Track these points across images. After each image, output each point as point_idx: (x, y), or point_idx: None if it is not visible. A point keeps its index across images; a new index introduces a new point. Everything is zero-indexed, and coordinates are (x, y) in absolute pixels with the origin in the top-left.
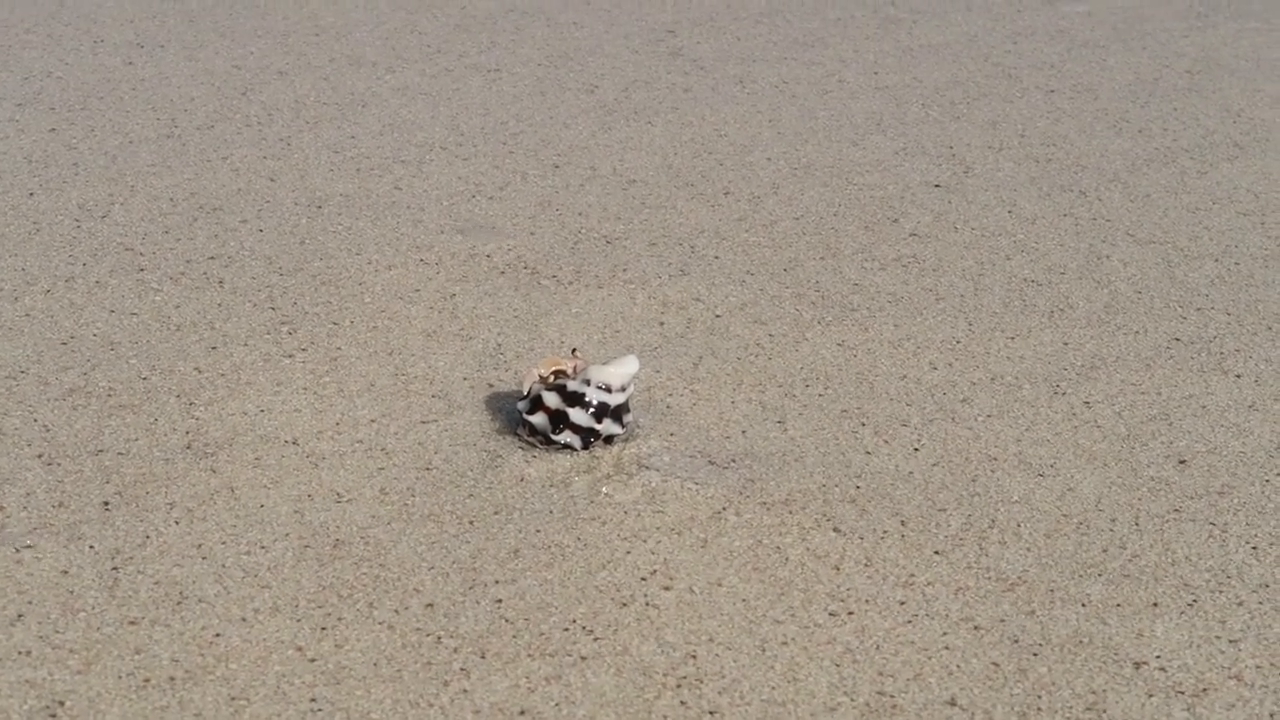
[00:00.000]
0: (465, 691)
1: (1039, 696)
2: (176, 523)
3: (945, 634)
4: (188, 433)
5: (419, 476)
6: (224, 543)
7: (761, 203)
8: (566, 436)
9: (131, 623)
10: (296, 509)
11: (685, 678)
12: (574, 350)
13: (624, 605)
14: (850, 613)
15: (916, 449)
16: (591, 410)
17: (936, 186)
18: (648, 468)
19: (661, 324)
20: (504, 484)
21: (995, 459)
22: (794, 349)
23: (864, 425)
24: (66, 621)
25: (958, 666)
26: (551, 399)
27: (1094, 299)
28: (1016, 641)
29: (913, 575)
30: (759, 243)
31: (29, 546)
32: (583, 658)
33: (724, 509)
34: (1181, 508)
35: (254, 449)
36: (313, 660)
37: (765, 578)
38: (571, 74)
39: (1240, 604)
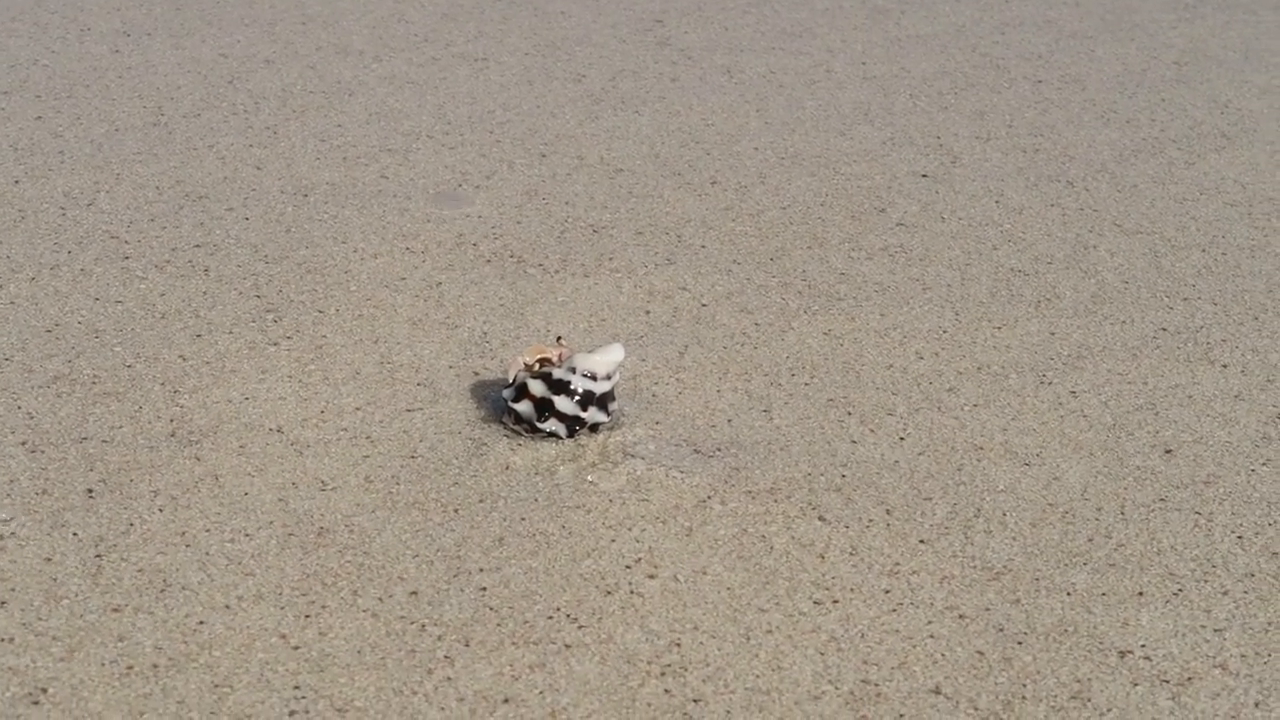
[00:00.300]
0: (449, 679)
1: (1024, 685)
2: (160, 510)
3: (930, 623)
4: (172, 420)
5: (404, 464)
6: (208, 530)
7: (748, 192)
8: (552, 424)
9: (115, 610)
10: (281, 497)
11: (669, 666)
12: (559, 338)
13: (608, 593)
14: (835, 601)
15: (902, 438)
16: (577, 398)
17: (924, 176)
18: (633, 456)
19: (647, 313)
20: (489, 472)
21: (981, 448)
22: (780, 338)
23: (850, 414)
24: (49, 609)
25: (942, 655)
26: (537, 387)
27: (1081, 289)
28: (1001, 630)
29: (898, 564)
30: (746, 232)
31: (12, 534)
32: (567, 646)
33: (709, 497)
34: (1167, 497)
35: (238, 437)
36: (296, 648)
37: (750, 566)
38: (559, 63)
39: (1225, 593)
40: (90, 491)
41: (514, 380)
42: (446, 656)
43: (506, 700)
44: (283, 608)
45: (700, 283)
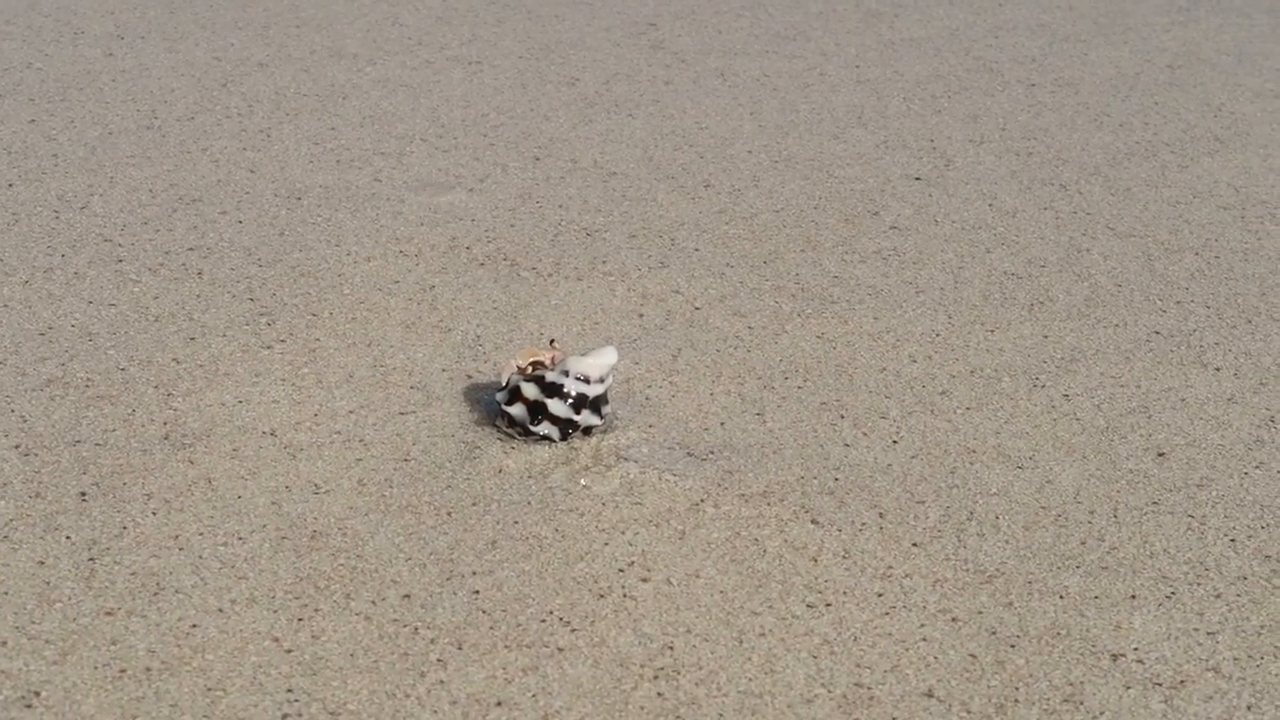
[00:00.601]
0: (442, 682)
1: (1016, 688)
2: (154, 513)
3: (923, 626)
4: (165, 424)
5: (397, 468)
6: (201, 534)
7: (742, 195)
8: (545, 428)
9: (108, 613)
10: (274, 500)
11: (662, 669)
12: (552, 341)
13: (601, 597)
14: (828, 604)
15: (895, 441)
16: (570, 401)
17: (917, 180)
18: (626, 459)
19: (641, 316)
20: (482, 475)
21: (974, 451)
22: (773, 341)
23: (843, 417)
24: (43, 612)
25: (935, 658)
26: (530, 390)
27: (1074, 292)
28: (994, 633)
29: (891, 567)
30: (739, 235)
31: (5, 537)
32: (560, 649)
33: (702, 501)
34: (1160, 500)
35: (232, 440)
36: (289, 651)
37: (743, 569)
38: (553, 67)
39: (1218, 596)
40: (83, 495)
41: (507, 383)
42: (439, 660)
43: (499, 703)
44: (276, 611)
45: (693, 286)
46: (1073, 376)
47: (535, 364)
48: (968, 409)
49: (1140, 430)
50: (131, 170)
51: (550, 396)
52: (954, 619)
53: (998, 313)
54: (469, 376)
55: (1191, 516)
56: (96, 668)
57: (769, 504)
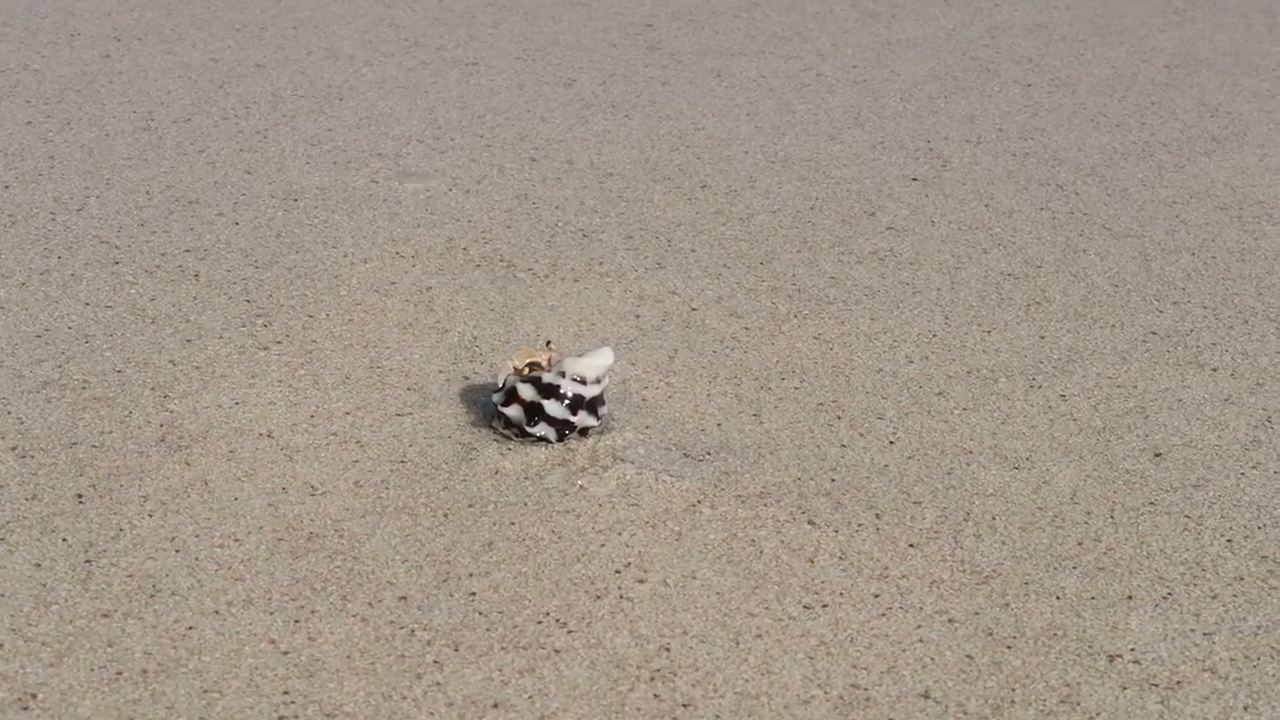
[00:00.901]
0: (438, 684)
1: (1013, 689)
2: (150, 515)
3: (919, 627)
4: (162, 425)
5: (393, 469)
6: (197, 536)
7: (738, 196)
8: (541, 429)
9: (104, 615)
10: (270, 502)
11: (659, 670)
12: (549, 342)
13: (598, 598)
14: (824, 606)
15: (892, 442)
16: (566, 402)
17: (914, 180)
18: (623, 460)
19: (637, 317)
20: (478, 477)
21: (971, 452)
22: (770, 342)
23: (839, 418)
24: (39, 614)
25: (932, 659)
26: (526, 391)
27: (1071, 292)
28: (991, 634)
29: (887, 568)
30: (735, 236)
31: (2, 539)
32: (556, 650)
33: (699, 502)
34: (1157, 500)
35: (228, 442)
36: (286, 653)
37: (739, 571)
38: (549, 67)
39: (1214, 597)
40: (80, 497)
41: (504, 385)
42: (436, 661)
43: (496, 705)
44: (272, 613)
45: (690, 287)
46: (1069, 377)
47: (532, 365)
48: (964, 410)
49: (1137, 431)
50: (128, 172)
51: (547, 398)
52: (951, 620)
53: (994, 313)
54: (466, 378)
55: (1188, 517)
56: (93, 669)
57: (765, 505)
